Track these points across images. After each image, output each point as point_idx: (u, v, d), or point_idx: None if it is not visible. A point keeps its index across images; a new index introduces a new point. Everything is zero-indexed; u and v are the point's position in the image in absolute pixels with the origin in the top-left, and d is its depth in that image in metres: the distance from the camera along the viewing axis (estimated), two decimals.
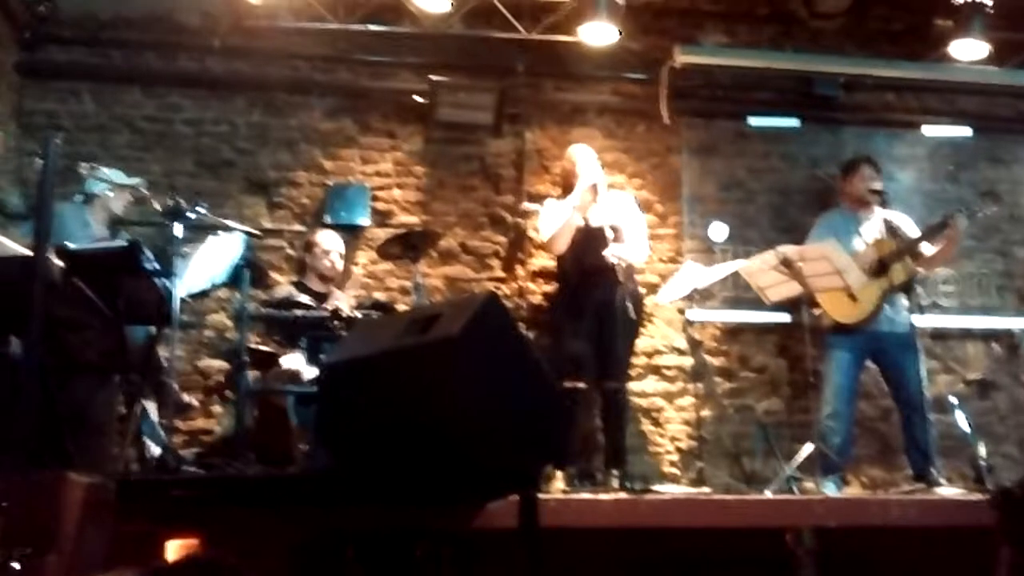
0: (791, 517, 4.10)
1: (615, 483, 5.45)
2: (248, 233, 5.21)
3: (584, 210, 5.86)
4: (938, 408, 6.14)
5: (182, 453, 5.09)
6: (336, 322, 5.16)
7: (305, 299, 5.47)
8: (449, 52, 6.78)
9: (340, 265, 6.01)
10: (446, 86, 6.64)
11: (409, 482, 3.42)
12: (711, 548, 4.01)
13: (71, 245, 4.28)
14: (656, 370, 6.71)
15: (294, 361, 5.30)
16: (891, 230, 5.81)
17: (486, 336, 3.30)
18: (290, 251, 6.48)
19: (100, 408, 4.45)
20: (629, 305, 5.53)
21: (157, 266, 4.49)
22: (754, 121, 7.06)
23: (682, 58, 6.70)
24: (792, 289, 5.49)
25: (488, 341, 3.30)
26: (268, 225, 6.43)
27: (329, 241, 5.97)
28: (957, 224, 5.73)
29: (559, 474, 5.15)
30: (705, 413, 6.39)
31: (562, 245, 5.91)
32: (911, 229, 5.95)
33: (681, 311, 6.65)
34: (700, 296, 6.15)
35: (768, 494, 5.15)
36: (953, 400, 6.02)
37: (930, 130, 7.22)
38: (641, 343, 6.38)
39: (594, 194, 5.87)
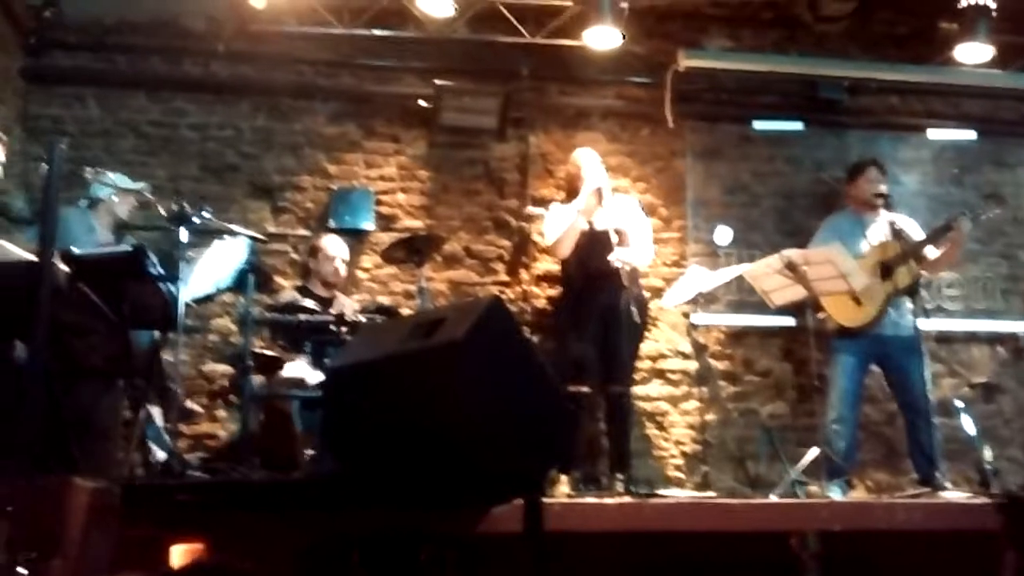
0: (796, 521, 4.09)
1: (620, 487, 5.43)
2: (253, 237, 5.22)
3: (589, 214, 5.85)
4: (943, 412, 6.14)
5: (187, 458, 5.10)
6: (340, 326, 5.17)
7: (309, 303, 5.47)
8: (453, 56, 6.79)
9: (344, 271, 6.02)
10: (450, 90, 6.65)
11: (414, 486, 3.42)
12: (716, 552, 4.00)
13: (76, 250, 4.28)
14: (661, 374, 6.71)
15: (298, 367, 5.30)
16: (896, 233, 5.80)
17: (490, 340, 3.29)
18: (294, 255, 6.49)
19: (105, 413, 4.45)
20: (633, 309, 5.52)
21: (162, 271, 4.49)
22: (758, 125, 7.06)
23: (686, 62, 6.70)
24: (797, 293, 5.49)
25: (492, 345, 3.30)
26: (272, 229, 6.45)
27: (334, 247, 5.97)
28: (961, 227, 5.73)
29: (564, 478, 5.14)
30: (710, 417, 6.39)
31: (566, 249, 5.91)
32: (916, 232, 5.94)
33: (686, 315, 6.65)
34: (704, 300, 6.16)
35: (773, 498, 5.14)
36: (958, 404, 6.03)
37: (934, 133, 7.22)
38: (645, 347, 6.39)
39: (599, 198, 5.86)
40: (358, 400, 3.51)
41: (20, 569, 2.80)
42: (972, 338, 7.00)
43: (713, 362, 6.75)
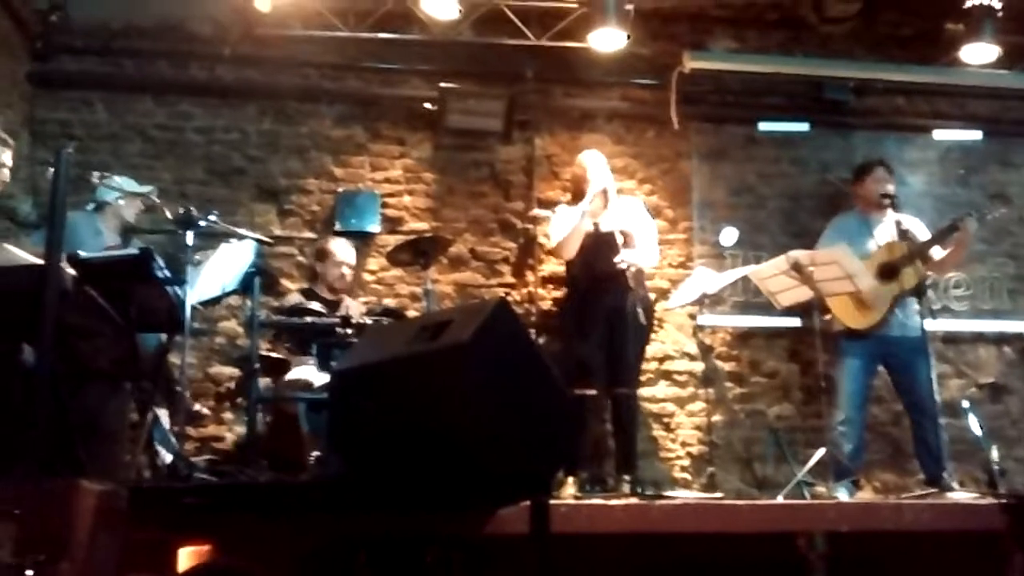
0: (803, 522, 4.09)
1: (626, 488, 5.44)
2: (259, 240, 5.24)
3: (594, 216, 5.85)
4: (950, 412, 6.14)
5: (194, 460, 5.09)
6: (346, 329, 5.17)
7: (316, 306, 5.47)
8: (458, 59, 6.80)
9: (350, 277, 6.03)
10: (456, 93, 6.66)
11: (420, 488, 3.42)
12: (722, 553, 4.00)
13: (83, 253, 4.29)
14: (667, 375, 6.71)
15: (305, 369, 5.31)
16: (903, 234, 5.79)
17: (496, 342, 3.30)
18: (301, 258, 6.50)
19: (112, 416, 4.45)
20: (640, 310, 5.51)
21: (168, 274, 4.49)
22: (764, 126, 7.05)
23: (691, 63, 6.70)
24: (803, 294, 5.49)
25: (498, 347, 3.31)
26: (279, 232, 6.45)
27: (343, 252, 5.98)
28: (967, 227, 5.72)
29: (570, 480, 5.16)
30: (716, 418, 6.38)
31: (571, 250, 5.91)
32: (922, 233, 5.93)
33: (692, 316, 6.63)
34: (711, 301, 6.14)
35: (780, 499, 5.13)
36: (965, 404, 6.02)
37: (940, 134, 7.21)
38: (652, 348, 6.38)
39: (604, 200, 5.85)
40: (364, 402, 3.52)
41: (28, 572, 2.80)
42: (979, 338, 6.99)
43: (719, 363, 6.75)
